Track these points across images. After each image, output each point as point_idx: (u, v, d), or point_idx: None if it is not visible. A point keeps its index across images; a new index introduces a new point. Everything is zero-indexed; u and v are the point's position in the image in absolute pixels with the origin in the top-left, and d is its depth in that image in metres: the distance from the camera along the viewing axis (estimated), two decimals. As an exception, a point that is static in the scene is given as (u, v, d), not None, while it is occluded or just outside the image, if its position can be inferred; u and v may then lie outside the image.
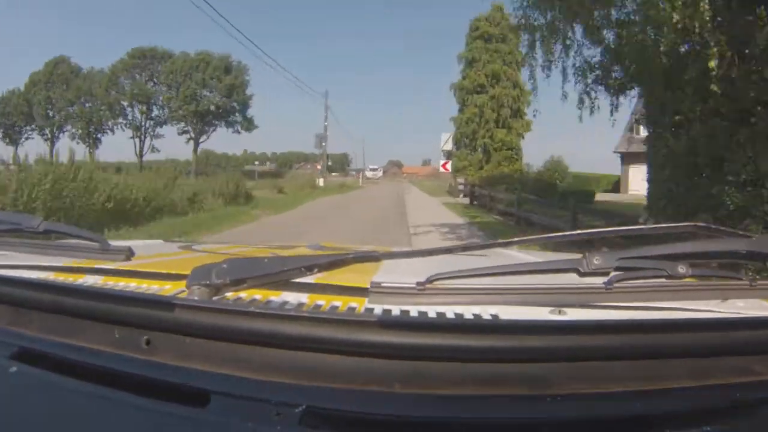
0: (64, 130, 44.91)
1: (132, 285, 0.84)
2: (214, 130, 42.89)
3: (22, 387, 0.53)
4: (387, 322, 0.55)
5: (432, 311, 0.70)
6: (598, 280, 0.65)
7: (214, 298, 0.64)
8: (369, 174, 71.77)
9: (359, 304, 0.76)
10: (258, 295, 0.76)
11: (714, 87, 5.39)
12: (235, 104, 42.42)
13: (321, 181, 26.50)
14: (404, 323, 0.57)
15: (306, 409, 0.47)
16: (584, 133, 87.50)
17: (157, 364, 0.54)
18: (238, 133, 43.09)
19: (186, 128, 42.30)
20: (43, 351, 0.57)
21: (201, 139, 43.05)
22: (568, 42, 7.92)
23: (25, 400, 0.51)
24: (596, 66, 7.77)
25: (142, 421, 0.47)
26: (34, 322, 0.63)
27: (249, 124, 43.41)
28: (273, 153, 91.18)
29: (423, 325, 0.56)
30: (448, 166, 29.61)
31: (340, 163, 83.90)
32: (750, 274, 0.74)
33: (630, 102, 8.45)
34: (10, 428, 0.46)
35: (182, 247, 1.52)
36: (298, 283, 0.75)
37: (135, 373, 0.53)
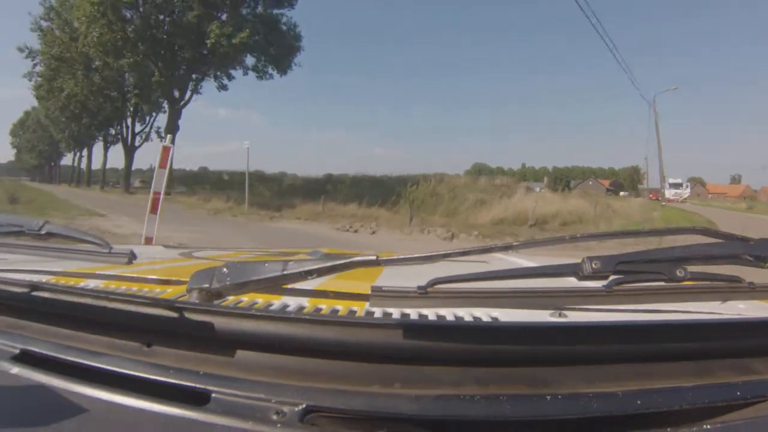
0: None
1: (133, 288, 0.84)
2: (197, 87, 24.62)
3: (24, 389, 0.53)
4: (387, 325, 0.56)
5: (432, 314, 0.71)
6: (598, 284, 0.65)
7: (215, 301, 0.65)
8: (670, 194, 42.46)
9: (360, 307, 0.77)
10: (259, 299, 0.77)
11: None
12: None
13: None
14: (405, 325, 0.57)
15: (306, 409, 0.47)
16: None
17: (158, 365, 0.54)
18: (268, 75, 22.80)
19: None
20: (44, 353, 0.57)
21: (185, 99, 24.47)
22: None
23: (26, 402, 0.51)
24: None
25: (143, 422, 0.47)
26: (36, 324, 0.63)
27: (277, 61, 22.64)
28: (554, 167, 68.56)
29: (423, 327, 0.56)
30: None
31: (630, 179, 56.89)
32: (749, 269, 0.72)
33: None
34: (12, 430, 0.46)
35: (183, 253, 1.53)
36: (299, 287, 0.75)
37: (136, 375, 0.53)
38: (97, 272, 0.93)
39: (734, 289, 0.69)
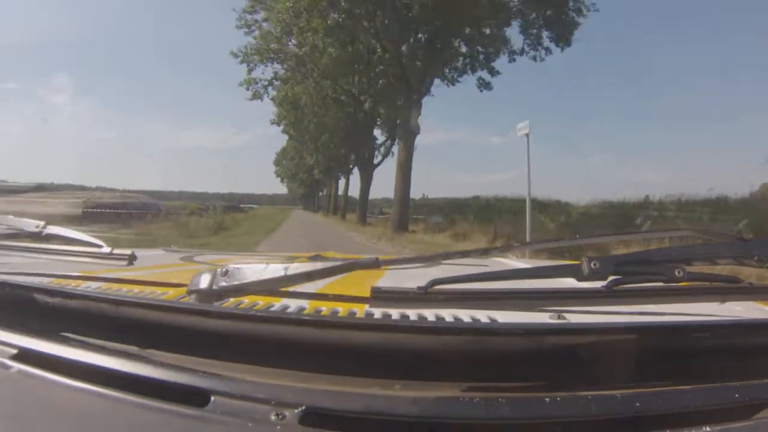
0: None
1: (134, 290, 0.85)
2: (439, 69, 17.96)
3: (24, 388, 0.53)
4: (386, 325, 0.57)
5: (432, 315, 0.71)
6: (597, 284, 0.65)
7: (215, 303, 0.65)
8: None
9: (360, 309, 0.77)
10: (259, 300, 0.78)
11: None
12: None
13: None
14: (404, 327, 0.58)
15: (305, 410, 0.47)
16: None
17: (157, 365, 0.55)
18: (543, 49, 16.81)
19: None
20: (44, 352, 0.58)
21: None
22: None
23: (26, 402, 0.51)
24: None
25: (142, 422, 0.47)
26: (37, 324, 0.63)
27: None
28: None
29: (422, 328, 0.56)
30: None
31: None
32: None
33: None
34: (11, 430, 0.46)
35: (184, 258, 1.53)
36: (300, 289, 0.75)
37: (136, 374, 0.53)
38: (97, 274, 0.93)
39: (733, 289, 0.68)
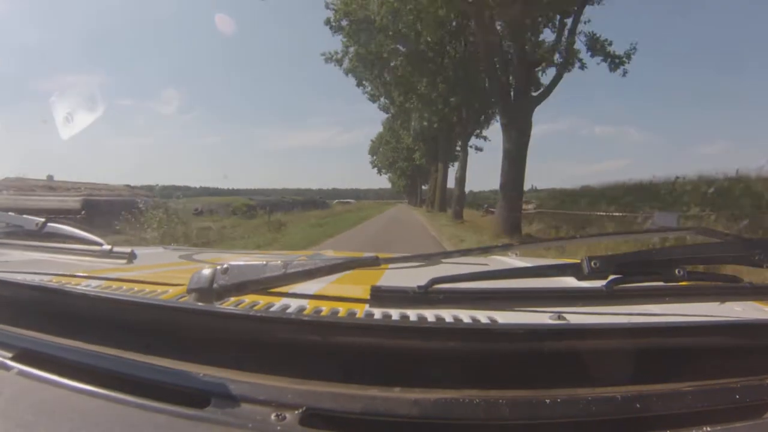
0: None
1: (134, 289, 0.85)
2: None
3: (24, 389, 0.53)
4: (387, 327, 0.57)
5: (432, 315, 0.71)
6: (597, 284, 0.65)
7: (215, 303, 0.65)
8: None
9: (360, 309, 0.76)
10: (260, 300, 0.77)
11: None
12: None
13: None
14: (404, 327, 0.58)
15: (306, 411, 0.48)
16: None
17: (157, 366, 0.55)
18: None
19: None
20: (44, 353, 0.58)
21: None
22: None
23: (26, 402, 0.51)
24: None
25: (142, 423, 0.47)
26: (37, 324, 0.63)
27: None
28: None
29: (422, 329, 0.56)
30: None
31: None
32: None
33: None
34: (11, 430, 0.46)
35: (183, 256, 1.52)
36: (300, 289, 0.76)
37: (136, 375, 0.53)
38: (98, 273, 0.92)
39: (733, 289, 0.69)
